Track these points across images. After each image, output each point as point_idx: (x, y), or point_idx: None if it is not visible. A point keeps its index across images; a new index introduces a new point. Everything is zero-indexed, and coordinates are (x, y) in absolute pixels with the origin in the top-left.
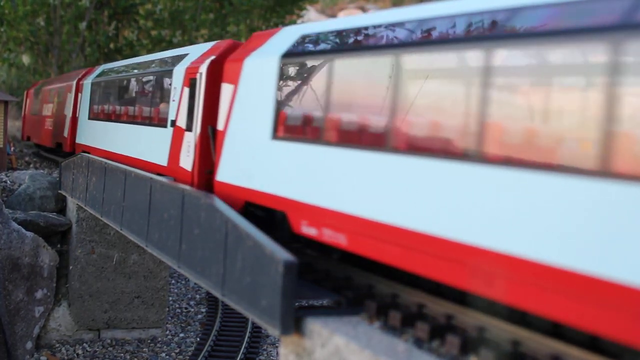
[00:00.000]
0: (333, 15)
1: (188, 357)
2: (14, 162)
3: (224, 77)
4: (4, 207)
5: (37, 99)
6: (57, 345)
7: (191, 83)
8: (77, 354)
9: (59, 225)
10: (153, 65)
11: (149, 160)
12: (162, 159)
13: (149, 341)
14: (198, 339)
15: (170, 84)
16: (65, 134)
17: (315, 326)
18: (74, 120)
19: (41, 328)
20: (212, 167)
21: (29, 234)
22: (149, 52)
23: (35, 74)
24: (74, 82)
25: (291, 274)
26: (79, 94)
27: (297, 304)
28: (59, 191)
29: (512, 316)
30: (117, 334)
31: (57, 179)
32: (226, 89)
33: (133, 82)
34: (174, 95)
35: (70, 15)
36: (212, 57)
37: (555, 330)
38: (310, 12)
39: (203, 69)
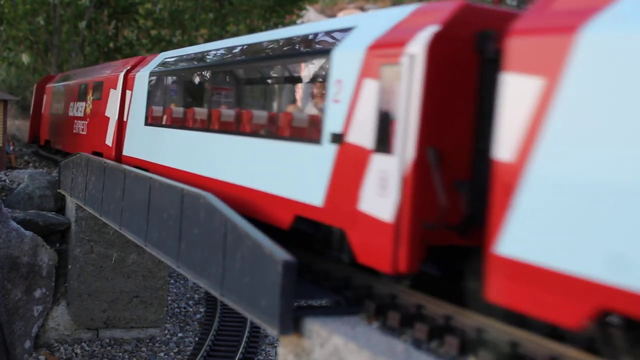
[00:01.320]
0: (333, 15)
1: (187, 357)
2: (13, 161)
3: (510, 63)
4: (3, 206)
5: (60, 95)
6: (56, 344)
7: (384, 74)
8: (76, 353)
9: (58, 224)
10: (276, 47)
11: (276, 194)
12: (310, 194)
13: (147, 341)
14: (197, 339)
15: (323, 75)
16: (109, 141)
17: (314, 326)
18: (121, 124)
19: (40, 327)
20: (440, 217)
21: (28, 233)
22: (149, 51)
23: (34, 73)
24: (121, 75)
25: (290, 273)
26: (128, 91)
27: (296, 303)
28: (58, 190)
29: (510, 317)
30: (116, 334)
31: (57, 178)
32: (520, 84)
33: (236, 73)
34: (338, 93)
35: (70, 14)
36: (435, 29)
37: (554, 332)
38: (310, 12)
39: (417, 48)
